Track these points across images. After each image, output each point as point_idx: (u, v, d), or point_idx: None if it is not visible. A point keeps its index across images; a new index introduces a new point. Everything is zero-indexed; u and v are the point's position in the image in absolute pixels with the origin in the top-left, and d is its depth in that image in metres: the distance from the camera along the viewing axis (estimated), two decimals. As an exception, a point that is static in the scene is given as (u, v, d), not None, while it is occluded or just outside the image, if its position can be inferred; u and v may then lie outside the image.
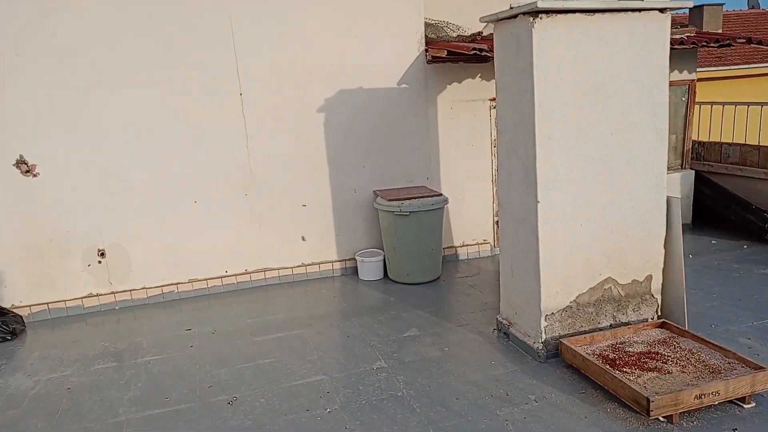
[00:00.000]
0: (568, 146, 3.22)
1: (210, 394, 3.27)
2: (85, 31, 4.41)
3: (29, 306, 4.65)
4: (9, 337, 4.27)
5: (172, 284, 4.96)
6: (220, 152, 4.89)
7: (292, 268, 5.23)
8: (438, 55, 4.97)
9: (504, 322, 3.79)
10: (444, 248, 5.43)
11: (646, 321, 3.54)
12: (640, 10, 3.22)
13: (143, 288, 4.90)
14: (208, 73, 4.74)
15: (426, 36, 5.28)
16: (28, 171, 4.52)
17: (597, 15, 3.14)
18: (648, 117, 3.35)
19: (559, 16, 3.10)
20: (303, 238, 5.23)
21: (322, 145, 5.14)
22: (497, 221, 5.62)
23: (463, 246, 5.69)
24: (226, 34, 4.71)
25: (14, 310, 4.56)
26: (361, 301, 4.70)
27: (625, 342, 3.30)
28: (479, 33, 5.47)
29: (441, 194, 4.95)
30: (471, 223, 5.66)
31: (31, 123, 4.43)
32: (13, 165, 4.46)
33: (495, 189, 5.60)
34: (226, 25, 4.70)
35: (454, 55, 4.93)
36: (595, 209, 3.33)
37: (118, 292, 4.84)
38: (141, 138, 4.68)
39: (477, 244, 5.73)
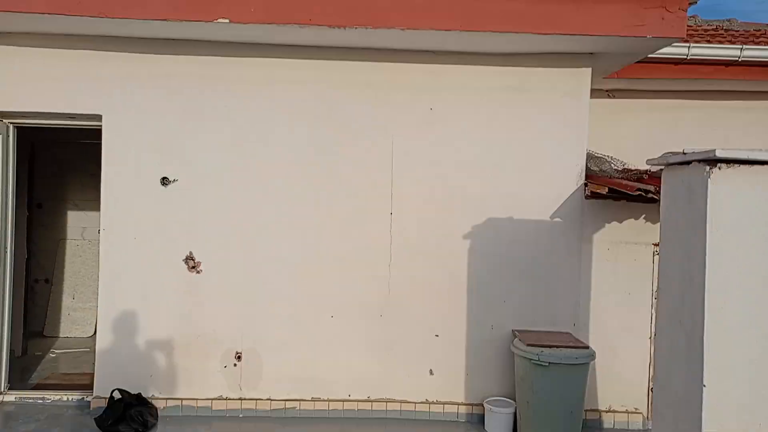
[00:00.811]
0: (748, 321, 2.60)
1: None
2: (243, 144, 4.89)
3: (165, 399, 4.89)
4: (140, 429, 4.48)
5: (295, 400, 4.90)
6: (363, 270, 4.92)
7: (415, 403, 4.89)
8: (598, 191, 4.60)
9: None
10: (586, 411, 4.68)
11: None
12: None
13: (268, 399, 4.90)
14: (363, 191, 4.91)
15: (587, 168, 4.97)
16: (193, 267, 4.94)
17: (794, 168, 2.62)
18: None
19: (743, 167, 2.64)
20: (431, 372, 4.91)
21: (464, 273, 4.92)
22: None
23: (609, 412, 4.89)
24: (386, 155, 4.89)
25: (153, 401, 4.82)
26: (485, 457, 4.17)
27: None
28: (647, 171, 5.01)
29: (587, 347, 4.36)
30: (621, 386, 4.88)
31: (199, 224, 4.90)
32: (183, 260, 4.92)
33: (653, 349, 4.82)
34: (387, 147, 4.89)
35: (616, 193, 4.53)
36: (789, 407, 2.60)
37: (245, 399, 4.90)
38: (290, 252, 4.90)
39: (627, 412, 4.88)
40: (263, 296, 4.91)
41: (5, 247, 5.08)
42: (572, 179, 4.91)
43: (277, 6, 4.15)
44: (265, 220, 4.91)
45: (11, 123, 5.07)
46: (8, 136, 5.06)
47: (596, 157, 5.11)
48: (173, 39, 4.74)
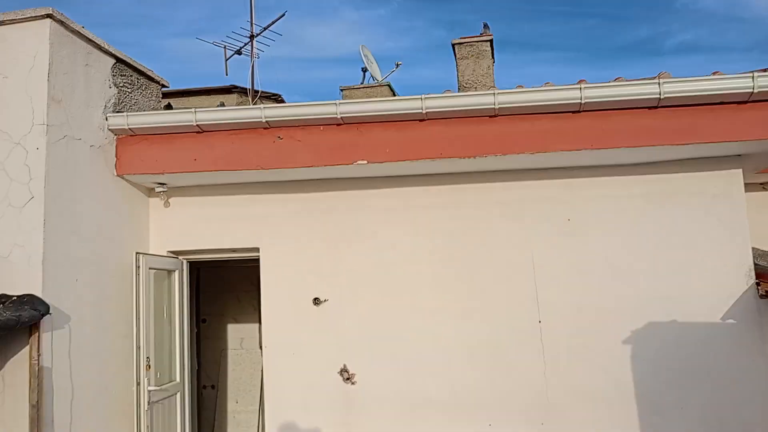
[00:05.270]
0: None
1: None
2: (387, 264, 5.43)
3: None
4: None
5: None
6: (518, 378, 5.13)
7: None
8: (773, 290, 4.45)
9: None
10: None
11: None
12: None
13: None
14: (510, 301, 5.20)
15: (757, 266, 4.81)
16: (348, 378, 5.46)
17: None
18: None
19: None
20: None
21: (629, 379, 4.96)
22: None
23: None
24: (527, 267, 5.18)
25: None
26: None
27: None
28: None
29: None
30: None
31: (350, 339, 5.42)
32: (338, 372, 5.43)
33: None
34: (527, 260, 5.18)
35: (793, 294, 4.34)
36: None
37: None
38: (445, 361, 5.25)
39: None
40: (416, 406, 5.23)
41: (183, 360, 5.99)
42: (740, 279, 4.81)
43: (410, 147, 4.74)
44: (412, 335, 5.32)
45: (185, 259, 6.14)
46: (183, 270, 6.13)
47: (766, 254, 4.94)
48: (317, 179, 5.53)
